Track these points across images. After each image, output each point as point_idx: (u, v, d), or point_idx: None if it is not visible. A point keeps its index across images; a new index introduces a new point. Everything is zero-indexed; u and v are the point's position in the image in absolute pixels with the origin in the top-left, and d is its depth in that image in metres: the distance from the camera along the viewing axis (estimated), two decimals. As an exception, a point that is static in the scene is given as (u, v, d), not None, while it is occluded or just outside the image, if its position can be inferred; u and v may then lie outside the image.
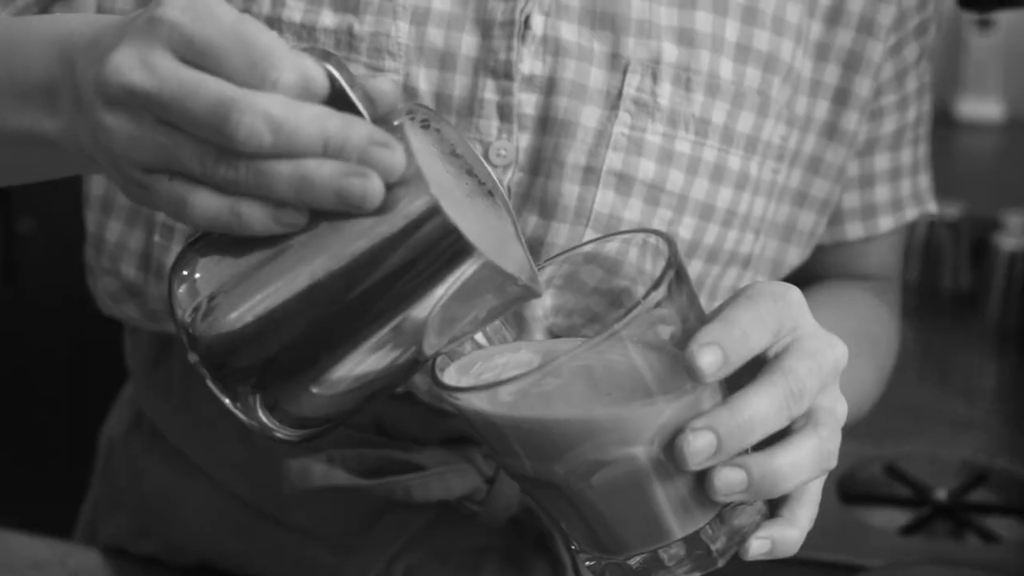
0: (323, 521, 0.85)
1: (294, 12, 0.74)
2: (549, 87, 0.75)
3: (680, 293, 0.57)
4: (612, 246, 0.63)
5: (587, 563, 0.61)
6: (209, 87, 0.53)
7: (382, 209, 0.54)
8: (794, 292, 0.60)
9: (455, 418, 0.80)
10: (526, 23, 0.74)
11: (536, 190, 0.75)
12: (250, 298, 0.55)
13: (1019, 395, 1.40)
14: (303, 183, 0.53)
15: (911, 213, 0.91)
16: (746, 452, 0.57)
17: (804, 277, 0.89)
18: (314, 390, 0.56)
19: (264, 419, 0.58)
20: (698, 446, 0.56)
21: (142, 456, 0.93)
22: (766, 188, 0.80)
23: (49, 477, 1.86)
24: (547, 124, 0.75)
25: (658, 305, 0.55)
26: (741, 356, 0.57)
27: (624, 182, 0.75)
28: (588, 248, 0.64)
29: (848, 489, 1.17)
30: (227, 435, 0.86)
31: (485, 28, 0.74)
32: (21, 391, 1.92)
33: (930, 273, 1.62)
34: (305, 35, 0.74)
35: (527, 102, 0.75)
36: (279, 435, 0.58)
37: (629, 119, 0.75)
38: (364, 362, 0.56)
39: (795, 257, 0.85)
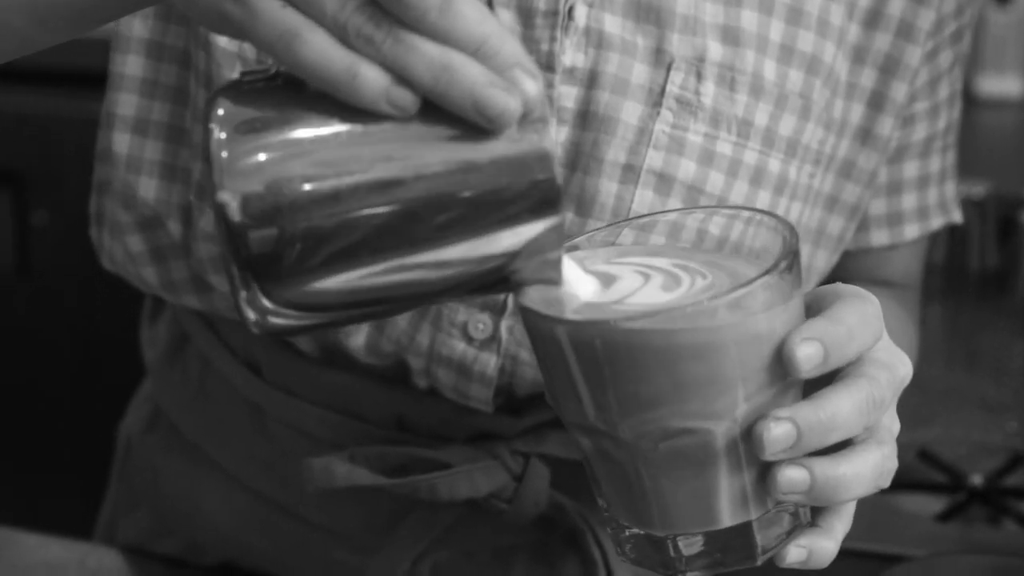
0: (347, 520, 0.83)
1: None
2: (590, 80, 0.73)
3: (793, 279, 0.56)
4: (718, 220, 0.64)
5: (610, 529, 0.61)
6: None
7: (495, 135, 0.51)
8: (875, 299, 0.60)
9: (480, 415, 0.79)
10: (569, 13, 0.72)
11: (573, 186, 0.73)
12: (315, 164, 0.50)
13: (1050, 376, 1.37)
14: (444, 73, 0.50)
15: (936, 222, 0.90)
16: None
17: (826, 282, 0.87)
18: (329, 284, 0.52)
19: (257, 293, 0.52)
20: (777, 434, 0.55)
21: (160, 453, 0.91)
22: (803, 193, 0.78)
23: (65, 475, 1.85)
24: (587, 119, 0.73)
25: (769, 286, 0.55)
26: (842, 356, 0.57)
27: (664, 182, 0.73)
28: (676, 218, 0.65)
29: (880, 476, 1.15)
30: (246, 431, 0.85)
31: (527, 17, 0.72)
32: (36, 385, 1.92)
33: (956, 253, 1.60)
34: None
35: (567, 95, 0.73)
36: (252, 315, 0.52)
37: (671, 117, 0.73)
38: (396, 275, 0.52)
39: (822, 261, 0.84)
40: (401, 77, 0.50)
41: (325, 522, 0.84)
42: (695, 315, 0.54)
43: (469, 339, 0.76)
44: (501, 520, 0.80)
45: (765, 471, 0.57)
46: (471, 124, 0.51)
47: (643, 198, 0.73)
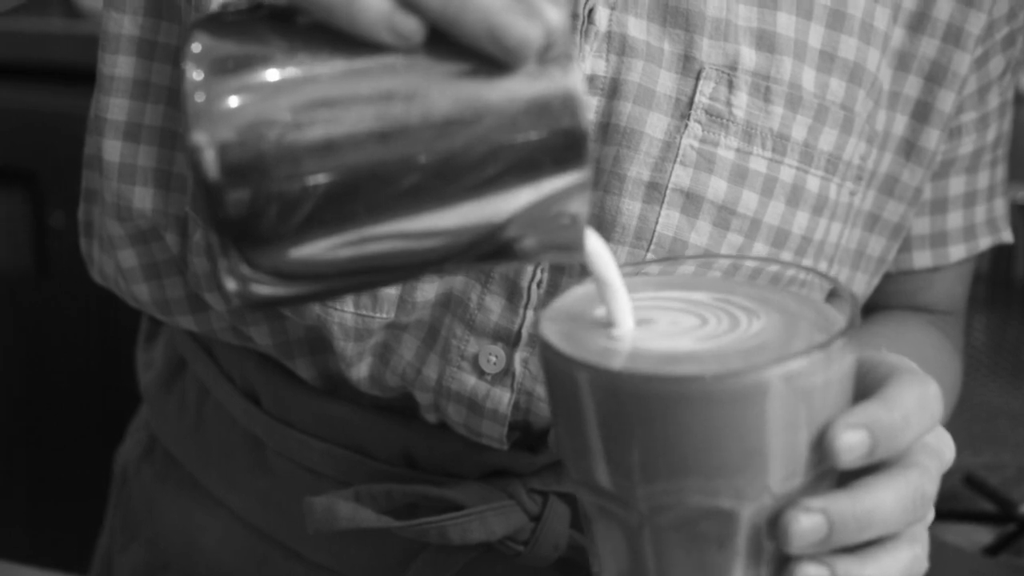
0: (351, 561, 0.78)
1: None
2: (612, 90, 0.67)
3: (849, 357, 0.50)
4: (767, 271, 0.57)
5: None
6: None
7: (512, 71, 0.45)
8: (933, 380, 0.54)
9: (493, 452, 0.73)
10: (589, 16, 0.66)
11: (594, 206, 0.68)
12: (305, 107, 0.44)
13: (1103, 393, 1.32)
14: None
15: (984, 242, 0.84)
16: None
17: (866, 306, 0.82)
18: (319, 247, 0.46)
19: (235, 257, 0.45)
20: (806, 527, 0.49)
21: (156, 484, 0.87)
22: (843, 212, 0.72)
23: (70, 501, 1.83)
24: (608, 132, 0.67)
25: (829, 360, 0.49)
26: (892, 448, 0.51)
27: (692, 201, 0.67)
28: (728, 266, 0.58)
29: (924, 503, 1.10)
30: (245, 464, 0.81)
31: None
32: (50, 390, 1.90)
33: (1001, 261, 1.55)
34: None
35: (588, 106, 0.67)
36: (232, 284, 0.46)
37: (700, 131, 0.67)
38: (396, 238, 0.46)
39: (862, 285, 0.78)
40: (405, 1, 0.44)
41: (328, 563, 0.79)
42: (738, 379, 0.48)
43: (480, 373, 0.70)
44: (517, 563, 0.75)
45: (784, 564, 0.51)
46: (484, 58, 0.45)
47: (669, 219, 0.68)
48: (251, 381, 0.79)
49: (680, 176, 0.68)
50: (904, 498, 0.51)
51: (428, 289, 0.69)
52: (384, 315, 0.70)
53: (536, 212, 0.46)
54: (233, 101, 0.44)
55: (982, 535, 1.08)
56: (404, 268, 0.48)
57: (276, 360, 0.78)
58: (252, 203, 0.44)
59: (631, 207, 0.67)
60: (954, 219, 0.82)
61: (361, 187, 0.45)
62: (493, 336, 0.70)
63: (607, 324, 0.52)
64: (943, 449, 0.54)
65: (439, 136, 0.45)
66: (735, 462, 0.49)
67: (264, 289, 0.46)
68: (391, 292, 0.69)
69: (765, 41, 0.68)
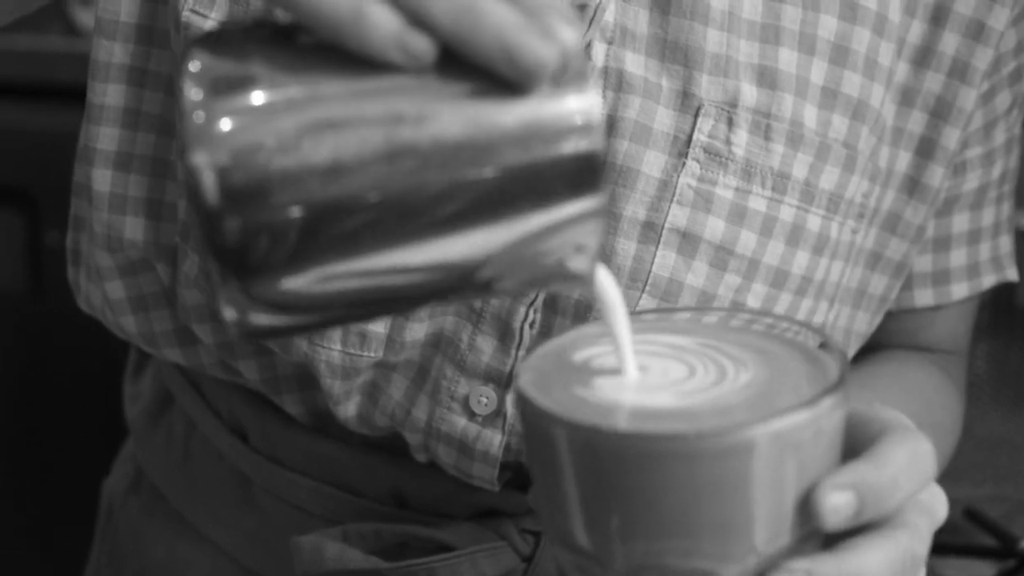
0: (339, 601, 0.77)
1: None
2: (608, 127, 0.66)
3: (837, 415, 0.49)
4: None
5: None
6: None
7: (526, 93, 0.44)
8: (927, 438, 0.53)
9: (484, 492, 0.72)
10: (586, 52, 0.65)
11: None
12: (310, 128, 0.42)
13: (1106, 423, 1.31)
14: (467, 16, 0.42)
15: (988, 280, 0.82)
16: None
17: (867, 345, 0.80)
18: (323, 276, 0.44)
19: (235, 286, 0.44)
20: None
21: (143, 518, 0.86)
22: (844, 251, 0.71)
23: (52, 533, 1.82)
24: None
25: (816, 419, 0.47)
26: (880, 510, 0.49)
27: (688, 242, 0.66)
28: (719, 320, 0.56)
29: (924, 537, 1.09)
30: (232, 500, 0.80)
31: None
32: (42, 411, 1.89)
33: (1004, 288, 1.53)
34: None
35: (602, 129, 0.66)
36: (230, 313, 0.44)
37: (698, 169, 0.66)
38: (403, 269, 0.44)
39: (863, 324, 0.76)
40: (416, 19, 0.43)
41: (316, 602, 0.78)
42: (719, 438, 0.46)
43: (471, 414, 0.69)
44: (509, 603, 0.74)
45: None
46: (497, 79, 0.43)
47: (665, 260, 0.66)
48: (239, 417, 0.78)
49: (677, 216, 0.66)
50: (893, 561, 0.49)
51: (417, 329, 0.68)
52: (372, 354, 0.69)
53: (547, 239, 0.45)
54: (234, 122, 0.42)
55: (982, 570, 1.06)
56: (409, 299, 0.46)
57: (264, 396, 0.77)
58: (252, 229, 0.42)
59: (626, 247, 0.66)
60: (957, 257, 0.81)
61: (367, 213, 0.43)
62: (484, 377, 0.69)
63: (589, 373, 0.51)
64: (936, 506, 0.52)
65: (450, 160, 0.43)
66: (717, 522, 0.47)
67: (263, 319, 0.44)
68: (379, 331, 0.68)
69: (766, 77, 0.67)
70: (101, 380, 1.87)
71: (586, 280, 0.47)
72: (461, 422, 0.69)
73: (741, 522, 0.47)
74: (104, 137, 0.73)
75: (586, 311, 0.67)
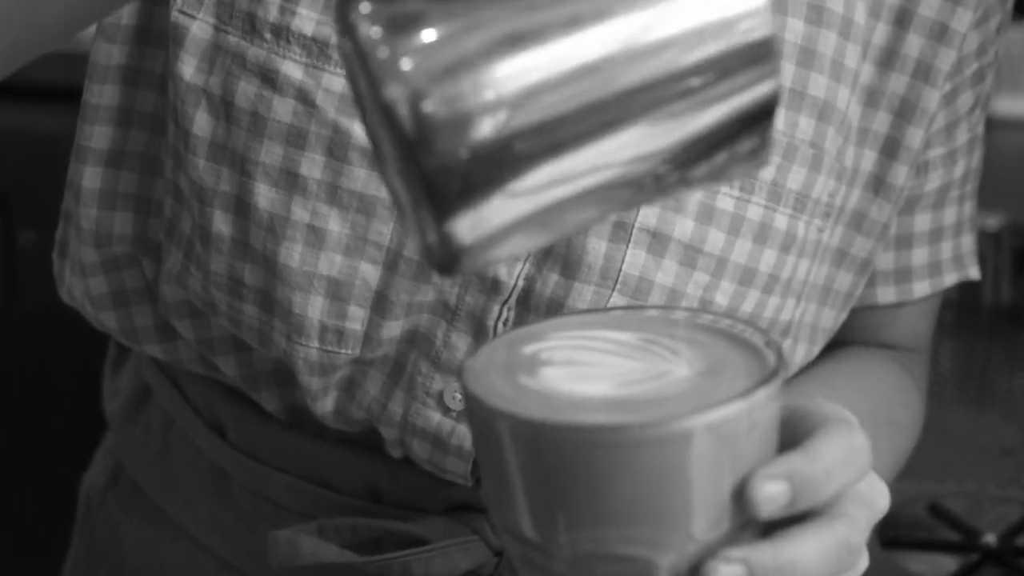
0: (315, 594, 0.78)
1: (305, 22, 0.67)
2: None
3: (773, 407, 0.50)
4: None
5: None
6: None
7: None
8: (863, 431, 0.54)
9: (458, 487, 0.73)
10: None
11: (559, 246, 0.68)
12: (498, 45, 0.42)
13: (1068, 420, 1.33)
14: None
15: (949, 279, 0.84)
16: None
17: (828, 342, 0.82)
18: (529, 198, 0.43)
19: (437, 221, 0.43)
20: None
21: (121, 513, 0.87)
22: (811, 249, 0.73)
23: (31, 526, 1.82)
24: None
25: (750, 411, 0.49)
26: (813, 499, 0.51)
27: (658, 241, 0.68)
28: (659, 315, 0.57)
29: (889, 533, 1.10)
30: (210, 495, 0.81)
31: None
32: (17, 410, 1.89)
33: (969, 288, 1.55)
34: (316, 51, 0.66)
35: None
36: (435, 249, 0.44)
37: None
38: (597, 173, 0.44)
39: (829, 320, 0.78)
40: None
41: (292, 596, 0.79)
42: (656, 428, 0.48)
43: (446, 409, 0.71)
44: (481, 596, 0.75)
45: None
46: None
47: (635, 258, 0.68)
48: (217, 413, 0.79)
49: (647, 216, 0.68)
50: (828, 549, 0.51)
51: (394, 326, 0.70)
52: (349, 351, 0.70)
53: (730, 124, 0.45)
54: (420, 51, 0.42)
55: (946, 564, 1.08)
56: (606, 203, 0.46)
57: (242, 392, 0.78)
58: (454, 154, 0.42)
59: (597, 246, 0.68)
60: (919, 255, 0.82)
61: (563, 122, 0.43)
62: (459, 373, 0.70)
63: (535, 366, 0.52)
64: (875, 498, 0.54)
65: (638, 55, 0.43)
66: (656, 511, 0.49)
67: (465, 240, 0.44)
68: (356, 328, 0.69)
69: None
70: (78, 378, 1.87)
71: (762, 161, 0.47)
72: (436, 417, 0.71)
73: (679, 511, 0.49)
74: (98, 136, 0.74)
75: (559, 309, 0.68)
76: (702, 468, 0.48)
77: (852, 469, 0.52)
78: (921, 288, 0.83)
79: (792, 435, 0.52)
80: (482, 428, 0.51)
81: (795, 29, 0.70)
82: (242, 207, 0.69)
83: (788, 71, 0.70)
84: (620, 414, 0.49)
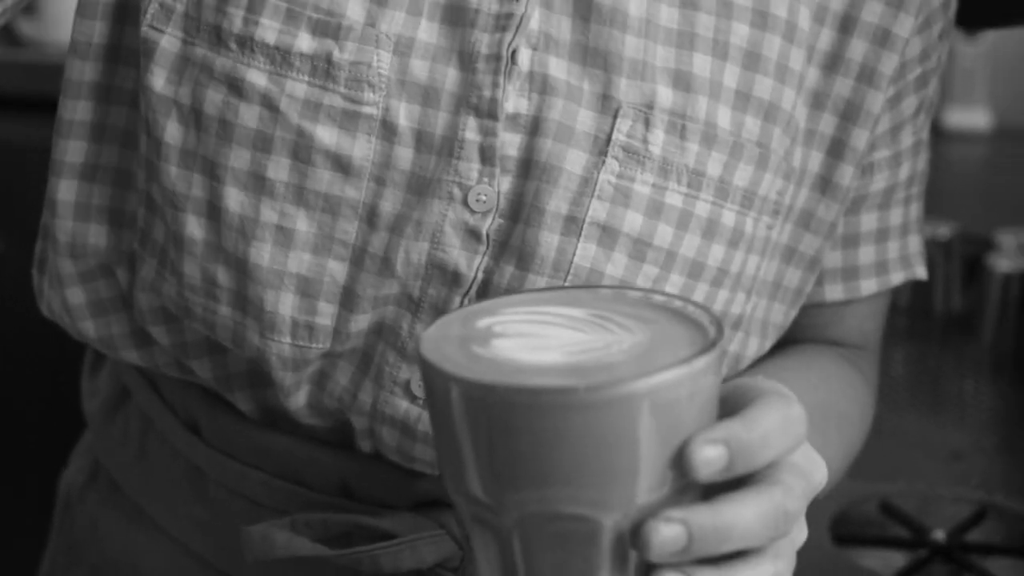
0: (288, 588, 0.81)
1: (267, 32, 0.70)
2: (533, 127, 0.70)
3: (713, 373, 0.53)
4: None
5: None
6: None
7: None
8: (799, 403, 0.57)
9: (426, 480, 0.76)
10: (512, 57, 0.70)
11: (515, 238, 0.71)
12: None
13: (1015, 423, 1.36)
14: None
15: (896, 277, 0.86)
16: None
17: (779, 340, 0.84)
18: None
19: None
20: (665, 537, 0.52)
21: (100, 509, 0.89)
22: (760, 246, 0.75)
23: (7, 525, 1.82)
24: (529, 167, 0.70)
25: (688, 378, 0.52)
26: (750, 464, 0.53)
27: (608, 235, 0.70)
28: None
29: (841, 530, 1.13)
30: (186, 493, 0.83)
31: (468, 62, 0.69)
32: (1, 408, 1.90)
33: (921, 295, 1.59)
34: (279, 59, 0.69)
35: (510, 143, 0.70)
36: None
37: (617, 167, 0.70)
38: None
39: (780, 315, 0.81)
40: None
41: (266, 589, 0.81)
42: (602, 391, 0.50)
43: (413, 397, 0.73)
44: (448, 588, 0.78)
45: (648, 573, 0.53)
46: None
47: (586, 251, 0.71)
48: (193, 414, 0.82)
49: (597, 210, 0.70)
50: (765, 514, 0.53)
51: (361, 319, 0.72)
52: (320, 345, 0.73)
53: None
54: None
55: (896, 559, 1.11)
56: None
57: (217, 394, 0.80)
58: None
59: (549, 239, 0.70)
60: (866, 254, 0.84)
61: None
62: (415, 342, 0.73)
63: (487, 337, 0.55)
64: (813, 471, 0.56)
65: None
66: (600, 473, 0.51)
67: None
68: (326, 323, 0.72)
69: (681, 81, 0.71)
70: (49, 382, 1.88)
71: None
72: (403, 405, 0.73)
73: (622, 473, 0.51)
74: (72, 150, 0.76)
75: None
76: (645, 432, 0.51)
77: (788, 437, 0.54)
78: (868, 286, 0.85)
79: (732, 408, 0.55)
80: (435, 393, 0.54)
81: (740, 33, 0.72)
82: (213, 211, 0.71)
83: (734, 73, 0.72)
84: (567, 378, 0.51)
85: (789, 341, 0.86)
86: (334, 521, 0.76)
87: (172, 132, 0.71)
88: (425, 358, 0.54)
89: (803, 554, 1.05)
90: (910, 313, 1.58)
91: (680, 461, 0.52)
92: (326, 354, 0.74)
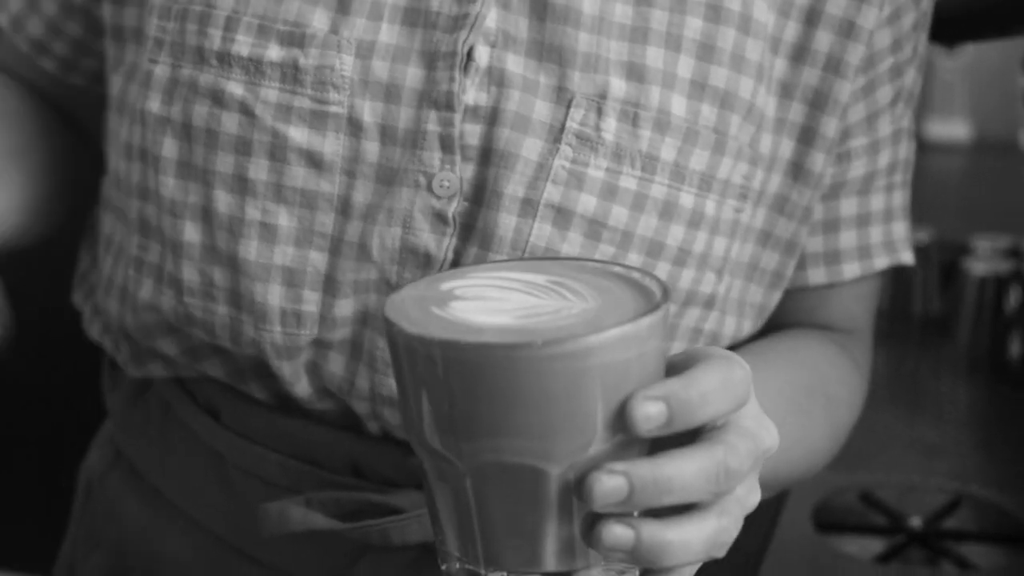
0: (302, 562, 0.85)
1: (242, 47, 0.75)
2: (492, 117, 0.75)
3: (656, 334, 0.56)
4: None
5: (441, 563, 0.60)
6: None
7: None
8: (745, 365, 0.59)
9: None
10: (469, 55, 0.74)
11: (479, 221, 0.75)
12: None
13: (989, 420, 1.39)
14: None
15: (880, 262, 0.88)
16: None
17: (768, 324, 0.87)
18: None
19: None
20: (608, 487, 0.55)
21: (120, 495, 0.92)
22: (727, 228, 0.79)
23: (27, 514, 1.84)
24: (489, 155, 0.75)
25: (628, 336, 0.54)
26: (689, 420, 0.56)
27: (562, 216, 0.75)
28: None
29: (823, 517, 1.17)
30: (204, 476, 0.87)
31: (430, 60, 0.74)
32: (12, 403, 1.90)
33: (900, 298, 1.61)
34: (252, 69, 0.75)
35: (471, 132, 0.75)
36: None
37: (571, 153, 0.75)
38: None
39: (757, 295, 0.84)
40: None
41: (281, 565, 0.85)
42: (553, 347, 0.53)
43: None
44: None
45: (595, 523, 0.55)
46: None
47: (541, 231, 0.75)
48: (212, 400, 0.86)
49: (552, 193, 0.74)
50: (706, 469, 0.55)
51: (344, 305, 0.76)
52: (308, 332, 0.77)
53: None
54: None
55: (875, 545, 1.15)
56: None
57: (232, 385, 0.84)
58: None
59: (507, 221, 0.75)
60: (847, 238, 0.87)
61: None
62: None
63: (448, 299, 0.58)
64: (761, 434, 0.59)
65: None
66: (547, 425, 0.54)
67: None
68: (312, 310, 0.77)
69: (634, 73, 0.75)
70: (70, 372, 1.88)
71: None
72: None
73: (569, 426, 0.54)
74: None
75: None
76: (591, 388, 0.54)
77: (729, 397, 0.57)
78: (851, 270, 0.87)
79: (681, 371, 0.58)
80: (395, 350, 0.57)
81: (693, 26, 0.76)
82: (207, 214, 0.77)
83: (688, 64, 0.76)
84: (518, 336, 0.54)
85: (779, 325, 0.88)
86: (346, 499, 0.80)
87: (168, 147, 0.77)
88: (386, 316, 0.57)
89: (787, 540, 1.08)
90: (890, 315, 1.61)
91: (623, 417, 0.55)
92: (315, 341, 0.78)
